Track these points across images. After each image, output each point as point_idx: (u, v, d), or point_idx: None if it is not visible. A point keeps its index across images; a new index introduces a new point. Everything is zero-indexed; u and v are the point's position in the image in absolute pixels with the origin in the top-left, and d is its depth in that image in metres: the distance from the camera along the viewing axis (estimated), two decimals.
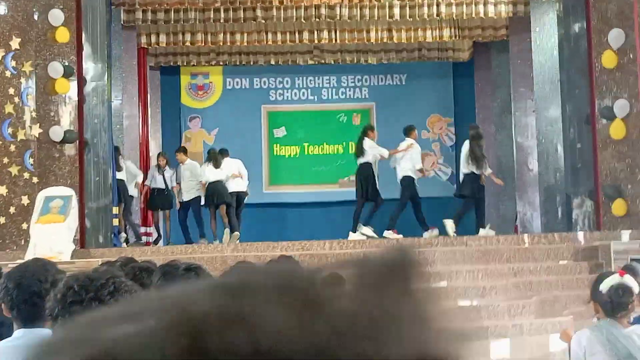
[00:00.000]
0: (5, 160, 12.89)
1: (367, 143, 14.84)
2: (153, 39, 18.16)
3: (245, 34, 18.28)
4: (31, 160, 12.92)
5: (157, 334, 0.51)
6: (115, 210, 14.50)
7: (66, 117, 13.21)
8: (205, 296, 0.54)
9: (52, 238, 11.16)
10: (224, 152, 16.21)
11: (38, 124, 12.99)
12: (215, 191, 15.57)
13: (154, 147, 18.80)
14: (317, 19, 17.20)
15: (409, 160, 14.80)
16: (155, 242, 16.57)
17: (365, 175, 14.83)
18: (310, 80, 20.34)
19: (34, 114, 13.01)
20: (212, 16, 16.78)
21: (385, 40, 18.59)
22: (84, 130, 13.46)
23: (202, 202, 15.88)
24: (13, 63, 13.02)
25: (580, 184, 13.96)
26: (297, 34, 18.25)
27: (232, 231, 15.37)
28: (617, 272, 5.03)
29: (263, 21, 17.25)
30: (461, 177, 14.81)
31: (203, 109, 20.24)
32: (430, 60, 20.02)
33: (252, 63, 19.67)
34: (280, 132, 20.22)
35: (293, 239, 14.39)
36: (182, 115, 20.24)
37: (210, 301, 0.53)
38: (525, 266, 12.16)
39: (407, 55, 19.81)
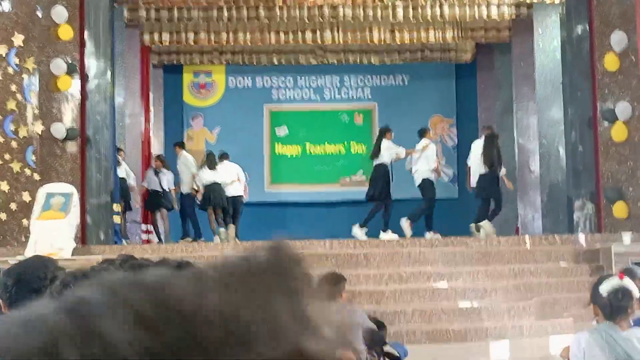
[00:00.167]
0: (7, 156, 12.90)
1: (385, 144, 14.91)
2: (156, 37, 18.16)
3: (248, 33, 18.28)
4: (33, 157, 12.93)
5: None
6: (116, 207, 14.50)
7: (68, 114, 13.22)
8: (54, 315, 0.54)
9: (53, 235, 11.17)
10: (224, 155, 16.30)
11: (40, 121, 13.00)
12: (211, 193, 15.69)
13: (156, 145, 18.82)
14: (320, 19, 17.19)
15: (424, 161, 14.88)
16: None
17: (381, 176, 14.88)
18: (313, 79, 20.35)
19: (36, 111, 13.02)
20: (215, 15, 16.77)
21: (388, 40, 18.59)
22: (86, 127, 13.46)
23: (199, 203, 16.05)
24: (16, 60, 13.03)
25: (582, 186, 13.95)
26: (300, 34, 18.25)
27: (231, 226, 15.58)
28: (617, 275, 5.02)
29: (266, 20, 17.24)
30: (475, 177, 14.82)
31: (205, 108, 20.26)
32: (433, 61, 20.03)
33: (254, 62, 19.68)
34: (282, 131, 20.23)
35: (294, 238, 14.38)
36: (184, 113, 20.25)
37: (56, 321, 0.54)
38: (525, 268, 12.16)
39: (410, 55, 19.82)
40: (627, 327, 4.70)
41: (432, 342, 9.89)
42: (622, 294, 4.66)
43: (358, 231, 14.53)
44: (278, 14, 16.77)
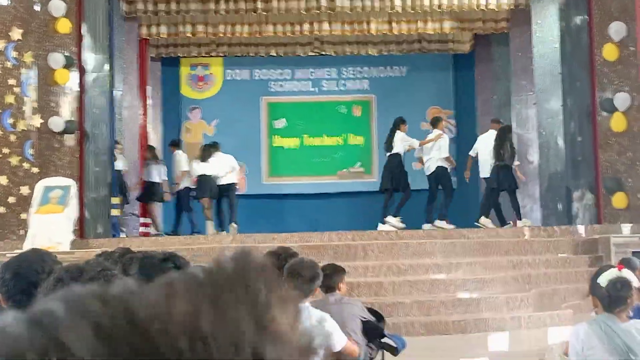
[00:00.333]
0: (6, 150, 12.89)
1: (399, 135, 15.02)
2: (154, 30, 18.14)
3: (246, 25, 18.26)
4: (31, 151, 12.93)
5: None
6: (114, 200, 14.52)
7: (66, 108, 13.21)
8: (20, 327, 0.56)
9: (51, 228, 11.17)
10: (215, 146, 16.38)
11: (38, 115, 12.99)
12: (202, 184, 15.84)
13: (154, 138, 18.81)
14: (318, 11, 17.16)
15: (437, 150, 14.98)
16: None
17: (395, 167, 14.98)
18: (311, 71, 20.32)
19: (34, 105, 13.01)
20: (212, 7, 16.74)
21: (385, 31, 18.57)
22: (84, 121, 13.45)
23: (193, 195, 16.27)
24: (14, 54, 13.02)
25: (581, 176, 13.95)
26: (297, 26, 18.23)
27: (231, 221, 15.65)
28: (616, 266, 5.01)
29: (263, 12, 17.21)
30: (485, 169, 14.91)
31: (203, 100, 20.23)
32: (431, 52, 20.01)
33: (252, 54, 19.65)
34: (280, 124, 20.21)
35: (292, 230, 14.42)
36: (182, 106, 20.23)
37: (21, 332, 0.55)
38: (524, 259, 12.16)
39: (408, 47, 19.79)
40: (626, 318, 4.69)
41: (431, 333, 9.89)
42: (621, 285, 4.66)
43: (392, 220, 14.61)
44: (275, 5, 16.73)
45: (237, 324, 0.57)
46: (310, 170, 19.93)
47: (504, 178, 14.50)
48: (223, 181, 16.05)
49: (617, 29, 13.46)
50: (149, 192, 16.65)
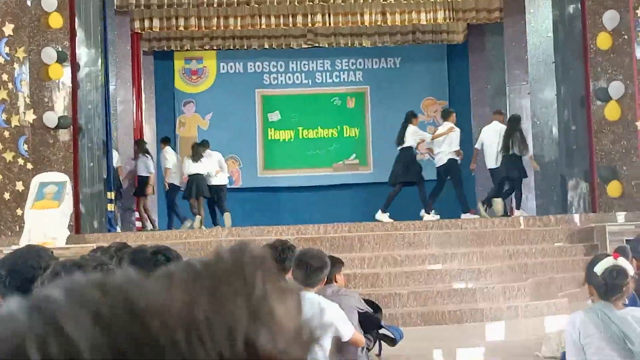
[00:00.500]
0: (0, 146, 12.87)
1: (410, 129, 14.98)
2: (147, 23, 18.11)
3: (239, 18, 18.23)
4: (25, 146, 12.90)
5: None
6: (109, 195, 14.52)
7: (60, 103, 13.18)
8: (21, 313, 0.57)
9: (47, 224, 11.15)
10: (204, 144, 16.38)
11: (32, 110, 12.97)
12: (194, 183, 15.83)
13: (148, 132, 18.80)
14: (311, 3, 17.15)
15: (448, 143, 14.96)
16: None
17: (409, 161, 14.98)
18: (305, 63, 20.30)
19: (27, 100, 12.99)
20: (205, 0, 16.71)
21: (379, 23, 18.56)
22: (78, 116, 13.43)
23: (183, 193, 16.32)
24: (6, 49, 12.99)
25: (575, 165, 13.96)
26: (290, 18, 18.21)
27: (226, 217, 15.63)
28: (611, 254, 5.02)
29: (256, 5, 17.19)
30: (491, 160, 14.93)
31: (197, 94, 20.21)
32: (425, 43, 20.00)
33: (246, 47, 19.63)
34: (275, 116, 20.19)
35: (288, 223, 14.43)
36: (176, 100, 20.20)
37: (23, 319, 0.57)
38: (520, 248, 12.18)
39: (402, 38, 19.78)
40: (622, 306, 4.70)
41: (428, 324, 9.91)
42: (617, 273, 4.66)
43: (426, 216, 14.59)
44: None
45: (235, 315, 0.57)
46: (306, 163, 19.92)
47: (514, 167, 14.49)
48: (214, 182, 16.05)
49: (610, 18, 13.45)
50: (140, 186, 16.70)
